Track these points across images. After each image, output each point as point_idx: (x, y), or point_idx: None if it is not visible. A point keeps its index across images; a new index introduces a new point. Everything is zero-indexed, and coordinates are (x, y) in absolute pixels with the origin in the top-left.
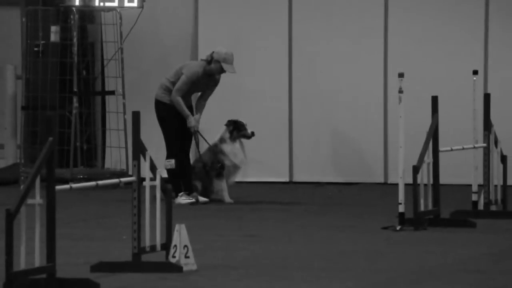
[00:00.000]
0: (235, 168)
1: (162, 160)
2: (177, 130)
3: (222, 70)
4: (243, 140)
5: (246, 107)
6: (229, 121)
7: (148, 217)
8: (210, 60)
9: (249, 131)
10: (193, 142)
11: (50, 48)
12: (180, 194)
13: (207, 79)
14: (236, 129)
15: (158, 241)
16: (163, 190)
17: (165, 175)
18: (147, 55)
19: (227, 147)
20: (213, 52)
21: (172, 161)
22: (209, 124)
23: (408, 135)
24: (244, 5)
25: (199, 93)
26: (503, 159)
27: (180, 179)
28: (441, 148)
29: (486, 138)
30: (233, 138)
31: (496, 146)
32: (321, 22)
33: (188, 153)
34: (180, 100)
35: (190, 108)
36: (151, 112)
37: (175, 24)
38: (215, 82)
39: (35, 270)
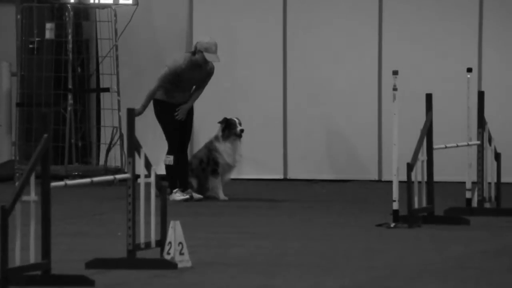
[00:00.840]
0: (229, 166)
1: (157, 157)
2: (175, 127)
3: (206, 60)
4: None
5: (241, 104)
6: (223, 119)
7: (143, 214)
8: (194, 51)
9: (239, 128)
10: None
11: (45, 45)
12: (174, 190)
13: (195, 70)
14: (228, 128)
15: (153, 238)
16: (158, 187)
17: (162, 171)
18: (142, 52)
19: (221, 146)
20: (197, 42)
21: (171, 158)
22: (204, 121)
23: (402, 132)
24: (238, 1)
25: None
26: (497, 156)
27: (177, 175)
28: (435, 146)
29: (480, 135)
30: (225, 137)
31: (490, 144)
32: (316, 19)
33: (186, 150)
34: (153, 89)
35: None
36: (146, 109)
37: (170, 21)
38: (208, 73)
39: (30, 267)
